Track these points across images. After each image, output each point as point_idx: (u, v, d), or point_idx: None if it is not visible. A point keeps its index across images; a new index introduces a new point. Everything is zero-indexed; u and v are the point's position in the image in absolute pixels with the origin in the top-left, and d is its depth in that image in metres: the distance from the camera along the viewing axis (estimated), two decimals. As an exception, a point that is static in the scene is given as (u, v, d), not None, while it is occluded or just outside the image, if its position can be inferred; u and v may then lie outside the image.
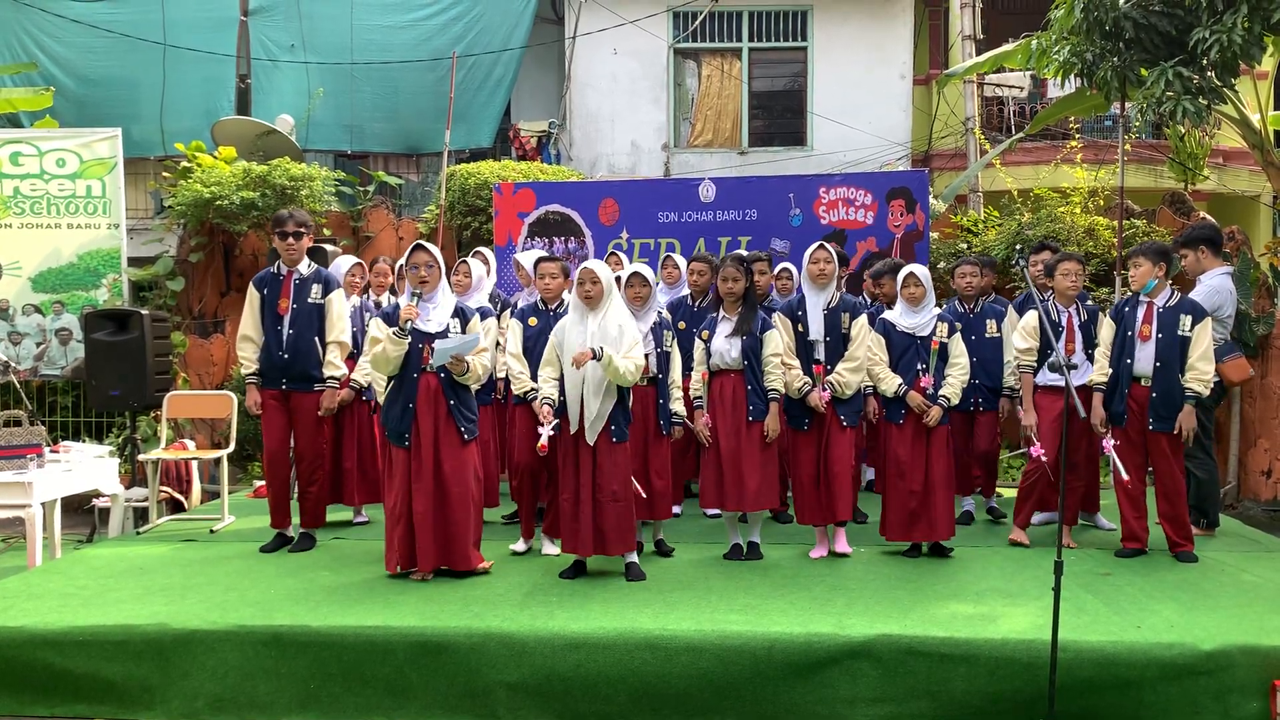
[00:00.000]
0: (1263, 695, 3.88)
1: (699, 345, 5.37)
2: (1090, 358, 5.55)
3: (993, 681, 3.93)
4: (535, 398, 5.28)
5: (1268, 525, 7.06)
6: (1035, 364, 5.63)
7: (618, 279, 5.43)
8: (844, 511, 5.34)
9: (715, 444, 5.25)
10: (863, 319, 5.34)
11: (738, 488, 5.21)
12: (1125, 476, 4.82)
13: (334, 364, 5.59)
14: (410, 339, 4.84)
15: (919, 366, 5.30)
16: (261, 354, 5.56)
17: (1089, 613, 4.32)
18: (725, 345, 5.25)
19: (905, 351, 5.33)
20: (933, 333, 5.33)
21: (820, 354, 5.30)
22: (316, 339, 5.56)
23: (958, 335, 5.41)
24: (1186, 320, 5.24)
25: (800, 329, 5.34)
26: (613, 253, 6.82)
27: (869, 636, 4.03)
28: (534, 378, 5.30)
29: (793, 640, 4.03)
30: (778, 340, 5.28)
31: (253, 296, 5.61)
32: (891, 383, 5.30)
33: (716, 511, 6.34)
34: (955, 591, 4.69)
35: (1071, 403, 3.84)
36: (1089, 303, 5.78)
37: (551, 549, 5.47)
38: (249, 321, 5.59)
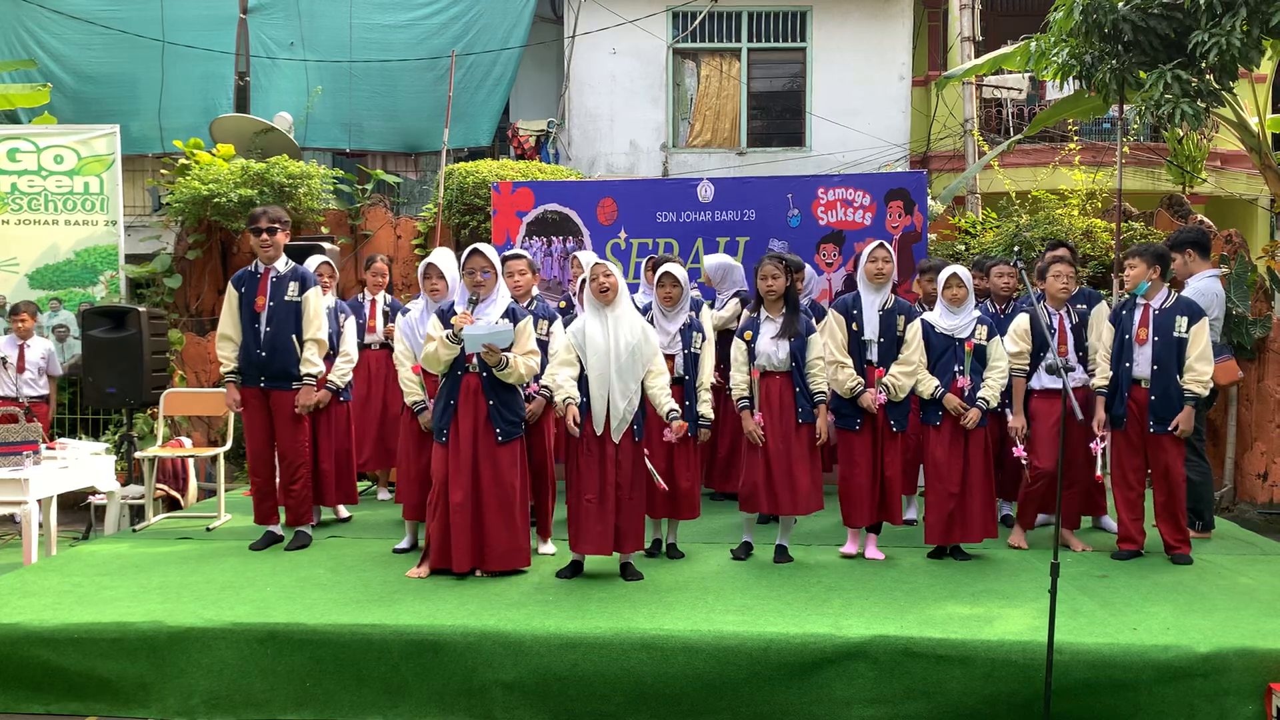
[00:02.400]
0: (1258, 698, 3.89)
1: (741, 346, 5.28)
2: (1082, 360, 5.56)
3: (988, 683, 3.93)
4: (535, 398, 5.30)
5: (1263, 528, 7.08)
6: (1028, 367, 5.62)
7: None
8: (895, 516, 5.34)
9: (763, 446, 5.18)
10: (917, 323, 5.29)
11: (790, 491, 5.15)
12: (1099, 474, 4.85)
13: (311, 361, 5.56)
14: (460, 342, 4.83)
15: (955, 369, 5.29)
16: (240, 352, 5.55)
17: (1085, 615, 4.32)
18: (772, 347, 5.18)
19: (943, 353, 5.31)
20: (971, 334, 5.32)
21: (873, 354, 5.25)
22: (294, 336, 5.54)
23: (998, 338, 5.38)
24: (1182, 321, 5.24)
25: (854, 328, 5.28)
26: (573, 257, 6.79)
27: (865, 637, 4.04)
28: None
29: (789, 641, 4.03)
30: (819, 343, 5.24)
31: (231, 295, 5.59)
32: (929, 384, 5.28)
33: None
34: (951, 593, 4.69)
35: (1069, 405, 3.83)
36: (1080, 305, 5.77)
37: (547, 549, 5.47)
38: (227, 320, 5.58)
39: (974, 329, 5.33)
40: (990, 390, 5.28)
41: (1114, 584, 4.86)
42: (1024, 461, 5.46)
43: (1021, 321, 5.59)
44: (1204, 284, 5.98)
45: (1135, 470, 5.36)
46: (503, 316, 4.94)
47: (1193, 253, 6.10)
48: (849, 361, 5.24)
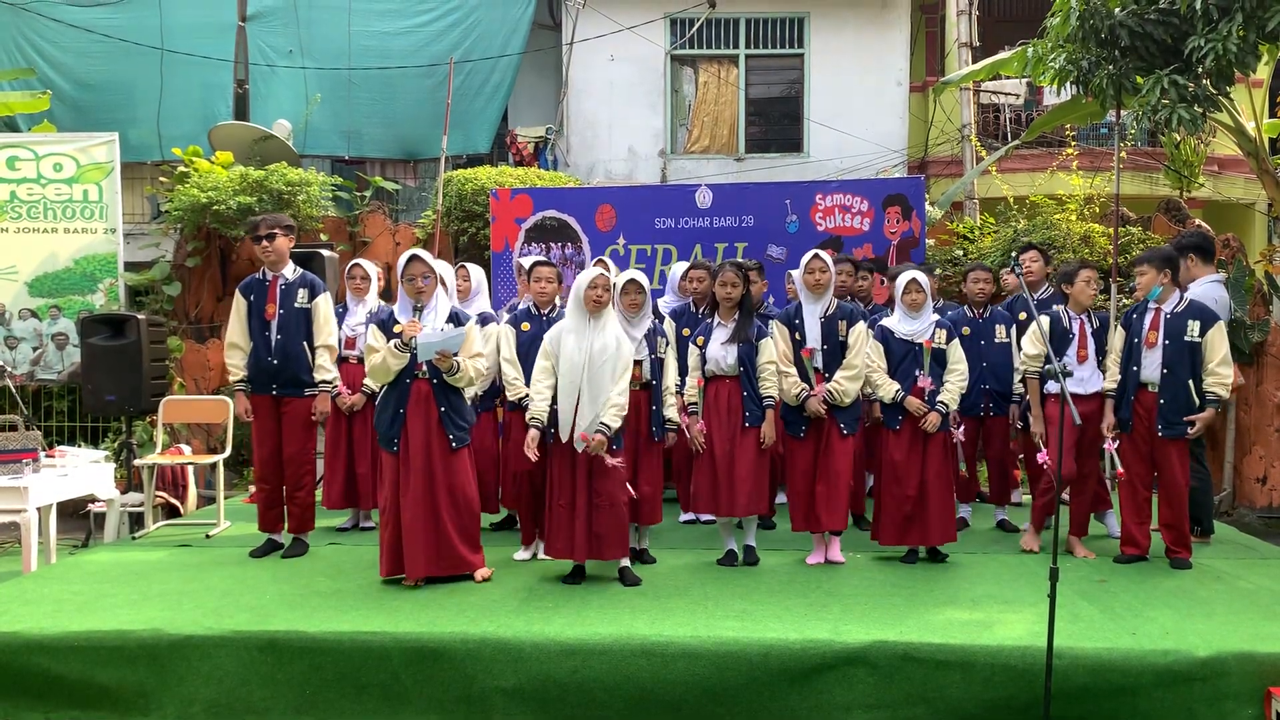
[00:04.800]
0: (1257, 702, 3.89)
1: (693, 351, 5.36)
2: (1101, 366, 5.55)
3: (988, 688, 3.94)
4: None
5: (1262, 532, 7.08)
6: (1042, 370, 5.63)
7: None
8: (839, 521, 5.34)
9: (710, 449, 5.24)
10: (860, 326, 5.34)
11: (730, 493, 5.21)
12: (1120, 469, 4.88)
13: (324, 368, 5.58)
14: (411, 351, 4.83)
15: (916, 372, 5.31)
16: (250, 360, 5.56)
17: (1084, 619, 4.33)
18: (721, 352, 5.25)
19: (904, 358, 5.34)
20: (932, 339, 5.33)
21: (818, 362, 5.30)
22: (305, 343, 5.56)
23: (956, 341, 5.40)
24: (1194, 326, 5.23)
25: (798, 337, 5.33)
26: (601, 259, 6.83)
27: (864, 643, 4.04)
28: (528, 383, 5.31)
29: (788, 646, 4.03)
30: (772, 348, 5.29)
31: (239, 303, 5.60)
32: (889, 389, 5.30)
33: (693, 517, 6.37)
34: (951, 598, 4.70)
35: (1069, 410, 3.84)
36: (1100, 309, 5.80)
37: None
38: (236, 328, 5.59)
39: (933, 333, 5.35)
40: (949, 394, 5.30)
41: (1113, 589, 4.86)
42: (1045, 465, 5.46)
43: (1042, 324, 5.60)
44: (1205, 289, 5.98)
45: (1142, 474, 5.36)
46: (447, 321, 4.96)
47: (1195, 257, 6.10)
48: (793, 371, 5.29)
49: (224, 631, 4.23)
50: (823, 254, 5.36)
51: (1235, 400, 7.97)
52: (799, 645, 4.04)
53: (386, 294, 7.22)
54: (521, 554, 5.52)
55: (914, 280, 5.37)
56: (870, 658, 4.00)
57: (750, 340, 5.24)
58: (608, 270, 6.26)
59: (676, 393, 5.35)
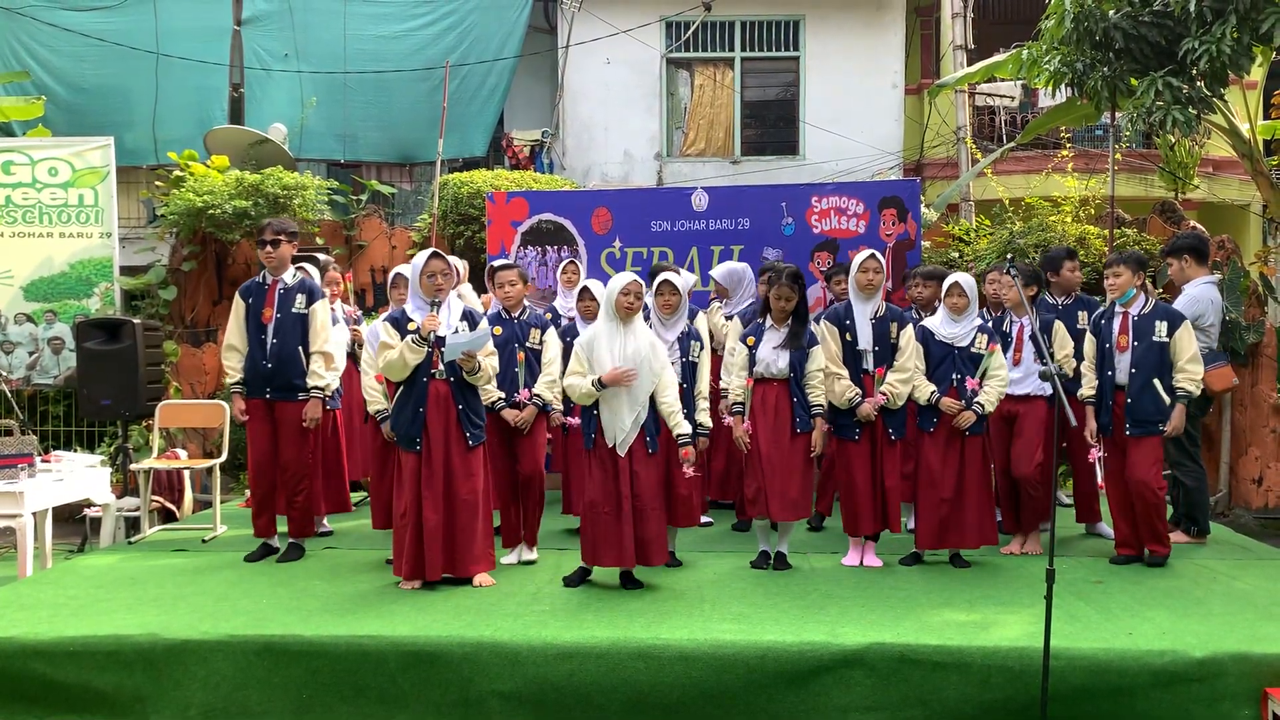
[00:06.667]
0: (1254, 702, 3.89)
1: (742, 351, 5.28)
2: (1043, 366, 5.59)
3: (985, 689, 3.94)
4: (503, 407, 5.30)
5: (1258, 533, 7.09)
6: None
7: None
8: (896, 523, 5.34)
9: (756, 452, 5.18)
10: (910, 329, 5.31)
11: (780, 497, 5.15)
12: (1099, 482, 4.90)
13: (318, 374, 5.56)
14: (429, 345, 4.84)
15: (954, 376, 5.29)
16: (246, 363, 5.56)
17: (1081, 620, 4.33)
18: (772, 355, 5.18)
19: (942, 361, 5.32)
20: (972, 343, 5.31)
21: (869, 364, 5.26)
22: (300, 349, 5.55)
23: (999, 347, 5.39)
24: (1162, 326, 5.28)
25: (848, 338, 5.29)
26: (571, 262, 6.86)
27: (861, 645, 4.04)
28: (500, 387, 5.31)
29: (785, 649, 4.03)
30: (821, 356, 5.24)
31: (238, 306, 5.61)
32: (925, 390, 5.29)
33: (709, 520, 6.37)
34: (948, 599, 4.70)
35: (1062, 413, 3.85)
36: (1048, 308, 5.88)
37: (530, 555, 5.49)
38: (234, 331, 5.60)
39: (974, 337, 5.34)
40: (987, 398, 5.29)
41: (1109, 589, 4.86)
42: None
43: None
44: (1198, 290, 5.99)
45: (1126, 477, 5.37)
46: (461, 319, 4.99)
47: (1189, 258, 6.11)
48: (844, 372, 5.25)
49: (220, 636, 4.22)
50: (878, 255, 5.32)
51: (1231, 401, 7.98)
52: (796, 648, 4.04)
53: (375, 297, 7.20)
54: (509, 558, 5.48)
55: (956, 284, 5.34)
56: (867, 660, 4.00)
57: (803, 347, 5.19)
58: (578, 272, 6.26)
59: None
